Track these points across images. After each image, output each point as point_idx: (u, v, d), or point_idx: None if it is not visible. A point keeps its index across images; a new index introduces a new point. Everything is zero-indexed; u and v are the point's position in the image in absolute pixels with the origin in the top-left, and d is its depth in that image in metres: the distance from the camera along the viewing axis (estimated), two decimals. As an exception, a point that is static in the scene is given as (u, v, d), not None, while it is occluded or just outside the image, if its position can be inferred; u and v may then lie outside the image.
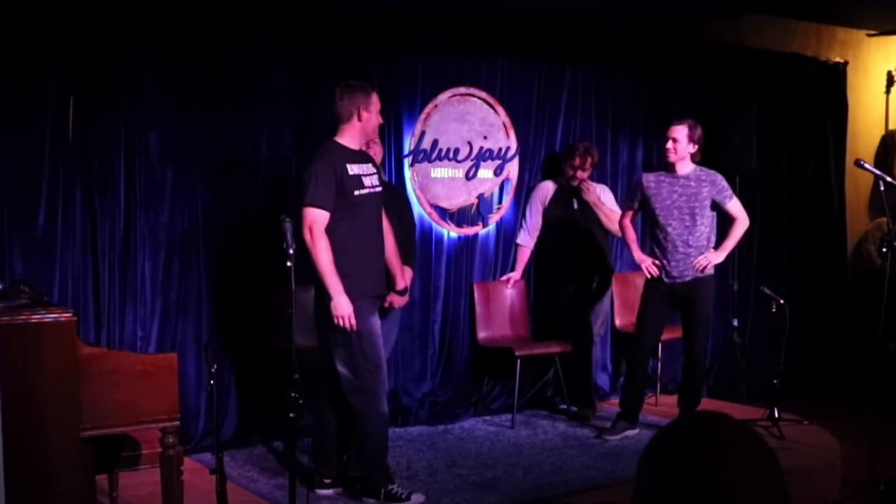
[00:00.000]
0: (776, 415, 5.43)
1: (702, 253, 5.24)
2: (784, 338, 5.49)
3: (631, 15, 6.18)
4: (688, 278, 5.26)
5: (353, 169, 4.18)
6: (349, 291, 4.09)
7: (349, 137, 4.24)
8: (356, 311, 4.11)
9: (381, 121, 4.37)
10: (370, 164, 4.34)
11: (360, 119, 4.21)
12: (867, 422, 4.78)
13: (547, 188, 6.14)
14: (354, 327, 4.11)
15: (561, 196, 6.06)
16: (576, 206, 6.04)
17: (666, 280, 5.29)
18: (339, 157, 4.17)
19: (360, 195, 4.19)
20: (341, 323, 4.09)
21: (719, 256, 5.31)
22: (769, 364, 6.50)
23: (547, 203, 6.09)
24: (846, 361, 7.12)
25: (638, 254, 5.43)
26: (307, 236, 4.06)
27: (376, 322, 4.30)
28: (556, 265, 6.09)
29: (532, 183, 6.31)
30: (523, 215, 6.24)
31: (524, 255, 6.20)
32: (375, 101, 4.26)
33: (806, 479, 4.74)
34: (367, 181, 4.23)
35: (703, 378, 5.53)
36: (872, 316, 4.84)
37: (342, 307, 4.08)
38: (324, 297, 4.12)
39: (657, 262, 5.30)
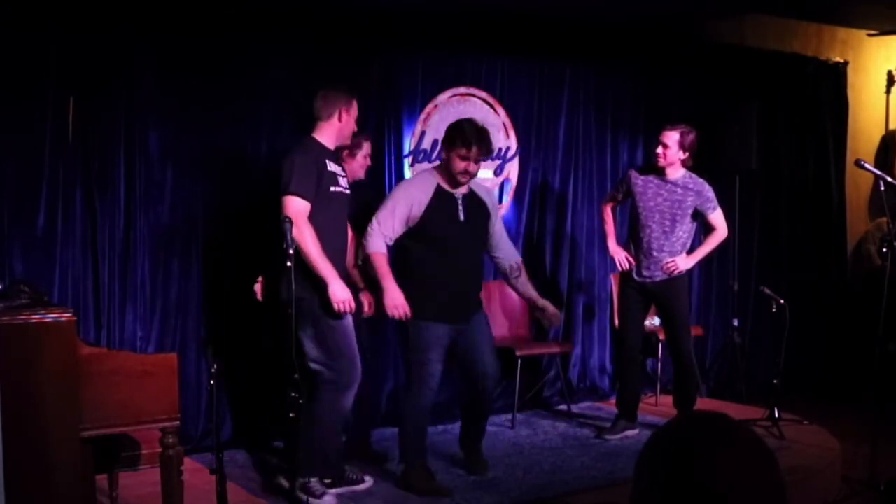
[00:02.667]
0: (776, 415, 5.44)
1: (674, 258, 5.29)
2: (784, 338, 5.50)
3: (631, 15, 6.18)
4: (657, 279, 5.31)
5: (330, 165, 4.23)
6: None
7: (327, 136, 4.26)
8: (323, 304, 4.06)
9: (356, 128, 4.39)
10: (342, 167, 4.39)
11: (340, 120, 4.24)
12: (867, 422, 4.78)
13: None
14: (353, 309, 4.10)
15: None
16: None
17: (636, 278, 5.35)
18: (318, 152, 4.21)
19: (335, 192, 4.22)
20: (341, 308, 4.04)
21: (689, 262, 5.37)
22: (769, 364, 6.51)
23: None
24: (846, 361, 7.12)
25: (613, 245, 5.46)
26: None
27: (347, 315, 4.22)
28: None
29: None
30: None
31: None
32: (355, 107, 4.31)
33: (806, 479, 4.74)
34: (341, 181, 4.28)
35: (694, 377, 5.53)
36: (872, 316, 4.84)
37: (340, 292, 4.04)
38: (302, 288, 3.95)
39: (630, 257, 5.35)
